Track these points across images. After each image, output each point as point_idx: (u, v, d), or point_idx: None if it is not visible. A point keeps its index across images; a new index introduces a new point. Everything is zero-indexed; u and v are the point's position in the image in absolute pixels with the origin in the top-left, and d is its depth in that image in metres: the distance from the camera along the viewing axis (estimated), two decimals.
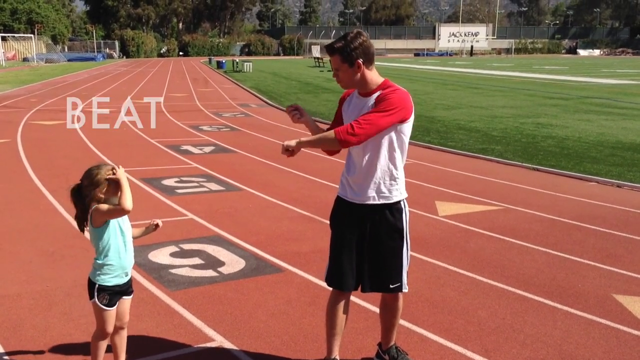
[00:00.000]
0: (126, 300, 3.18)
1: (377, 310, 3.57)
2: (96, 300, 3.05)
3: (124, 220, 3.10)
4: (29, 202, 7.07)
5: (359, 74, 3.06)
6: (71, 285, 4.60)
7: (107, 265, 3.04)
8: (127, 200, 2.92)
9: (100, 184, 2.96)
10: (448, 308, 4.30)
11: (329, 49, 3.08)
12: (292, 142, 3.05)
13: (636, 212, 6.99)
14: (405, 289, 3.30)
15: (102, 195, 2.97)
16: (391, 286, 3.26)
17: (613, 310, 4.32)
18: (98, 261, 3.05)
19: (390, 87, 3.10)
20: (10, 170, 8.91)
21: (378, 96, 3.06)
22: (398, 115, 3.03)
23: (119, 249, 3.06)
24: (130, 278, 3.18)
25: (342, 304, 3.28)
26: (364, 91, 3.13)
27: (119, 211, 2.95)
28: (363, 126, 2.97)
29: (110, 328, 3.12)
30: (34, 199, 7.24)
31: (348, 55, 3.01)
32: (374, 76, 3.10)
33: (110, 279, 3.05)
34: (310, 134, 3.30)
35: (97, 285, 3.05)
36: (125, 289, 3.14)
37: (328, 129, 3.34)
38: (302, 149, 3.14)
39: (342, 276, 3.23)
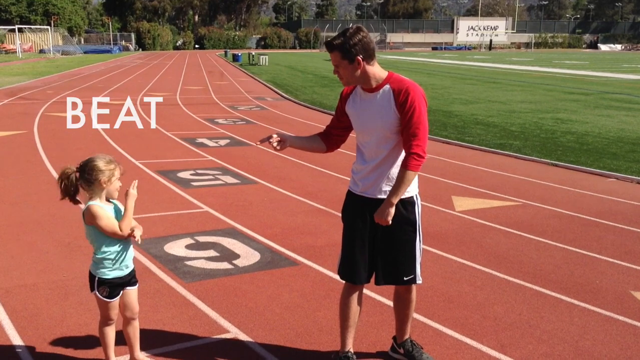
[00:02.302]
0: (131, 291, 3.18)
1: (392, 303, 3.55)
2: (97, 292, 3.10)
3: (119, 212, 3.09)
4: (46, 193, 7.15)
5: (359, 71, 3.01)
6: (87, 276, 4.63)
7: (107, 259, 3.06)
8: (127, 227, 3.01)
9: (99, 178, 2.98)
10: (464, 303, 4.27)
11: (328, 46, 3.02)
12: (392, 211, 3.05)
13: None
14: (419, 281, 3.29)
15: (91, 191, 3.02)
16: (405, 278, 3.25)
17: (631, 307, 4.25)
18: (97, 255, 3.07)
19: (399, 81, 3.05)
20: (27, 162, 9.01)
21: (395, 95, 3.00)
22: (425, 106, 3.03)
23: (117, 242, 3.06)
24: (133, 269, 3.19)
25: (354, 296, 3.27)
26: (368, 87, 3.08)
27: (114, 234, 3.01)
28: (421, 143, 2.98)
29: (113, 316, 3.16)
30: (50, 190, 7.30)
31: (347, 52, 2.96)
32: (376, 71, 3.05)
33: (109, 272, 3.07)
34: (299, 146, 3.35)
35: (97, 278, 3.08)
36: (127, 280, 3.14)
37: (328, 126, 3.35)
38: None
39: (355, 269, 3.22)
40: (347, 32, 2.99)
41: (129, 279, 3.16)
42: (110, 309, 3.14)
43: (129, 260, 3.14)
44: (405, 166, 3.02)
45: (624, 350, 3.64)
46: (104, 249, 3.04)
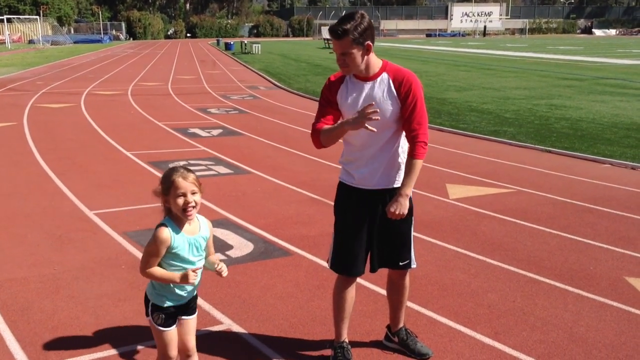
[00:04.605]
0: (186, 321, 2.75)
1: (385, 292, 3.53)
2: (151, 318, 2.70)
3: (200, 246, 2.66)
4: (36, 185, 7.08)
5: (366, 57, 2.93)
6: (79, 269, 4.59)
7: (165, 287, 2.65)
8: (155, 277, 2.61)
9: (171, 189, 2.60)
10: (458, 291, 4.26)
11: (336, 32, 2.84)
12: (407, 204, 3.00)
13: None
14: (414, 265, 3.30)
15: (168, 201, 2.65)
16: (401, 263, 3.25)
17: (625, 293, 4.25)
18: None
19: (397, 70, 3.01)
20: (17, 154, 8.92)
21: (395, 85, 2.95)
22: (423, 96, 3.03)
23: (180, 266, 2.62)
24: (195, 296, 2.78)
25: (349, 288, 3.25)
26: (365, 75, 2.99)
27: (144, 267, 2.60)
28: (426, 131, 2.99)
29: (172, 352, 2.73)
30: (40, 182, 7.24)
31: (359, 37, 2.85)
32: (375, 58, 3.00)
33: (166, 301, 2.67)
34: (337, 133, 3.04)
35: (150, 303, 2.69)
36: (185, 309, 2.74)
37: (321, 121, 3.14)
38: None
39: (354, 262, 3.17)
40: (354, 16, 2.86)
41: (187, 306, 2.75)
42: (167, 340, 2.71)
43: (190, 288, 2.71)
44: (413, 155, 2.99)
45: (618, 335, 3.64)
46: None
